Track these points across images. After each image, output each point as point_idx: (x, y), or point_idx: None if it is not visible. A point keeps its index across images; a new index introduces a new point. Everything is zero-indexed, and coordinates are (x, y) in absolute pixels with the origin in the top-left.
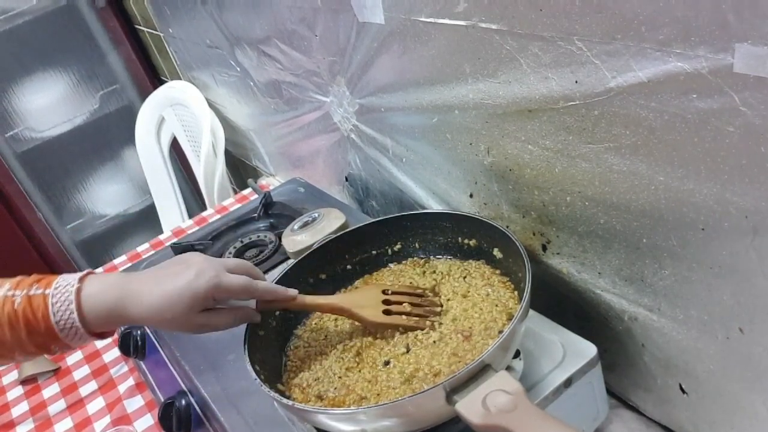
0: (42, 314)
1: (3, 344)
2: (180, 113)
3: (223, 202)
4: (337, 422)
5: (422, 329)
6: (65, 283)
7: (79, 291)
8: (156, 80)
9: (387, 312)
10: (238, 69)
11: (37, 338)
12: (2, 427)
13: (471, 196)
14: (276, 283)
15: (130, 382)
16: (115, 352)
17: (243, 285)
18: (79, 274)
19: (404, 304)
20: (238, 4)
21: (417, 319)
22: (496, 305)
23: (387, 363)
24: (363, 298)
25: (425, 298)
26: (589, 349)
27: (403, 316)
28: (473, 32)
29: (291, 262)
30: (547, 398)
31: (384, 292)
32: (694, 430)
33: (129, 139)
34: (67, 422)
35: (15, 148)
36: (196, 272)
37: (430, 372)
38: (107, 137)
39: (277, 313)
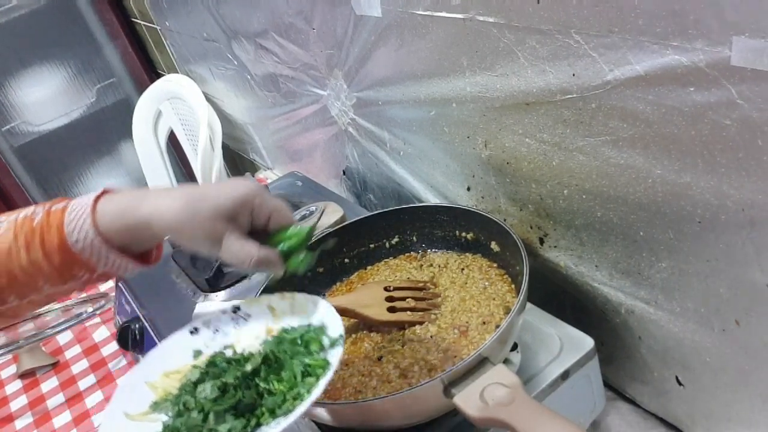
0: (57, 226)
1: (24, 271)
2: (177, 107)
3: None
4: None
5: (428, 322)
6: (88, 195)
7: (98, 198)
8: (153, 74)
9: (391, 309)
10: (236, 62)
11: (54, 257)
12: (1, 420)
13: (468, 189)
14: (274, 277)
15: None
16: (114, 346)
17: (282, 204)
18: (107, 186)
19: (407, 300)
20: None
21: (422, 313)
22: (494, 298)
23: (380, 358)
24: (366, 297)
25: (427, 291)
26: (586, 342)
27: (408, 312)
28: (471, 25)
29: None
30: (545, 391)
31: (386, 288)
32: (691, 422)
33: (126, 132)
34: (66, 416)
35: (12, 142)
36: (238, 179)
37: (425, 366)
38: (104, 131)
39: None
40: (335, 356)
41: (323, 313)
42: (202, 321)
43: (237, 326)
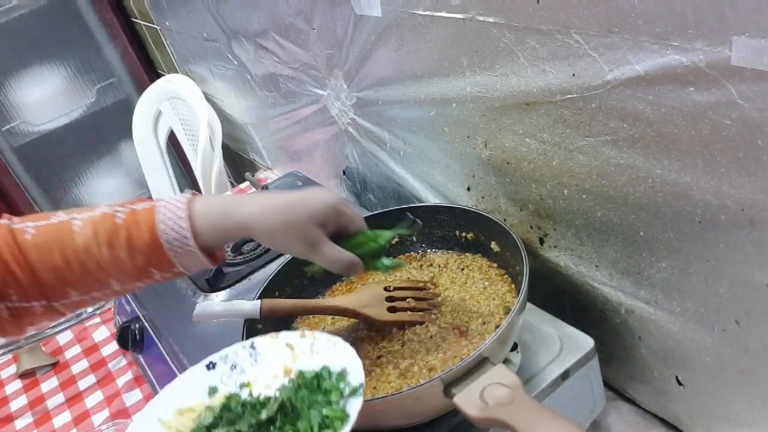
0: (148, 225)
1: (100, 267)
2: (177, 107)
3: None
4: None
5: (428, 322)
6: (177, 197)
7: (191, 200)
8: (153, 74)
9: (392, 309)
10: (236, 62)
11: (138, 256)
12: (1, 420)
13: (468, 189)
14: (273, 277)
15: (129, 375)
16: (114, 346)
17: (358, 214)
18: (188, 191)
19: (407, 300)
20: None
21: (422, 313)
22: (494, 298)
23: (379, 358)
24: (366, 297)
25: (427, 291)
26: (586, 342)
27: (408, 312)
28: (471, 25)
29: (288, 255)
30: (545, 391)
31: (386, 288)
32: (691, 421)
33: (126, 132)
34: (66, 416)
35: (12, 142)
36: (324, 188)
37: (424, 367)
38: (104, 131)
39: None
40: (354, 408)
41: (344, 357)
42: (220, 356)
43: (255, 363)
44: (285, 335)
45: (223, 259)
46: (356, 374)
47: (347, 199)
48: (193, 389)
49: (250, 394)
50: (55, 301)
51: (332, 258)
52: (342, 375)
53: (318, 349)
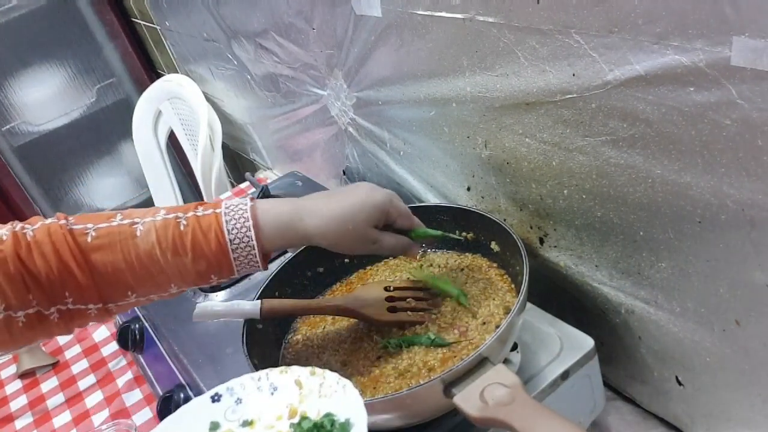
0: (215, 232)
1: (162, 272)
2: (177, 107)
3: (221, 195)
4: None
5: (428, 322)
6: (236, 203)
7: (254, 207)
8: (153, 74)
9: (392, 309)
10: (236, 62)
11: (201, 263)
12: (1, 420)
13: (468, 189)
14: (274, 276)
15: (129, 375)
16: (114, 346)
17: (406, 208)
18: (247, 197)
19: (408, 299)
20: None
21: (422, 313)
22: (494, 298)
23: (379, 357)
24: (367, 297)
25: (427, 291)
26: (586, 342)
27: (408, 312)
28: (471, 25)
29: (289, 255)
30: (545, 391)
31: (386, 288)
32: (691, 422)
33: (126, 132)
34: (66, 416)
35: (12, 142)
36: (371, 187)
37: (424, 367)
38: (104, 131)
39: None
40: None
41: (350, 406)
42: (227, 387)
43: (261, 398)
44: (296, 370)
45: (270, 262)
46: (359, 428)
47: (393, 193)
48: (195, 422)
49: None
50: (112, 303)
51: (391, 247)
52: (344, 427)
53: (326, 392)
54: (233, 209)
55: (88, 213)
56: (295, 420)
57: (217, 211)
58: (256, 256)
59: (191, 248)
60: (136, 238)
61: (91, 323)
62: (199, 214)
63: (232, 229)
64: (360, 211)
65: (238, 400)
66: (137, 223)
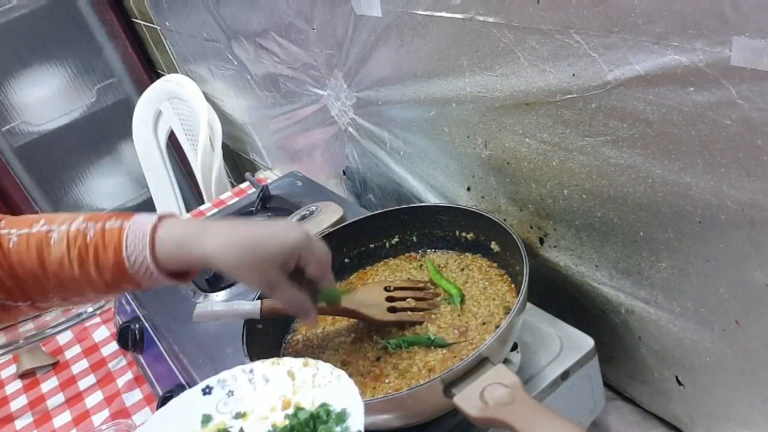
0: (114, 249)
1: (74, 280)
2: (177, 107)
3: (221, 195)
4: None
5: (428, 322)
6: (145, 218)
7: (158, 225)
8: (153, 74)
9: (392, 309)
10: (235, 62)
11: (106, 274)
12: (1, 420)
13: (468, 189)
14: None
15: (129, 375)
16: (114, 346)
17: (326, 257)
18: (161, 213)
19: (408, 299)
20: None
21: (422, 313)
22: (494, 299)
23: (379, 359)
24: (367, 297)
25: (427, 291)
26: (586, 342)
27: (408, 312)
28: (471, 25)
29: None
30: (545, 391)
31: (386, 288)
32: (691, 421)
33: (126, 132)
34: (66, 416)
35: (12, 142)
36: (289, 225)
37: (424, 367)
38: (104, 131)
39: None
40: None
41: (346, 395)
42: (218, 380)
43: (254, 390)
44: (287, 362)
45: (194, 276)
46: (356, 418)
47: (314, 236)
48: (187, 416)
49: (241, 429)
50: (38, 302)
51: (285, 300)
52: (341, 417)
53: (320, 383)
54: (138, 223)
55: (21, 217)
56: (290, 411)
57: (125, 224)
58: (158, 276)
59: (93, 260)
60: (50, 246)
61: (32, 315)
62: (107, 226)
63: (131, 243)
64: (264, 246)
65: (230, 393)
66: (53, 231)
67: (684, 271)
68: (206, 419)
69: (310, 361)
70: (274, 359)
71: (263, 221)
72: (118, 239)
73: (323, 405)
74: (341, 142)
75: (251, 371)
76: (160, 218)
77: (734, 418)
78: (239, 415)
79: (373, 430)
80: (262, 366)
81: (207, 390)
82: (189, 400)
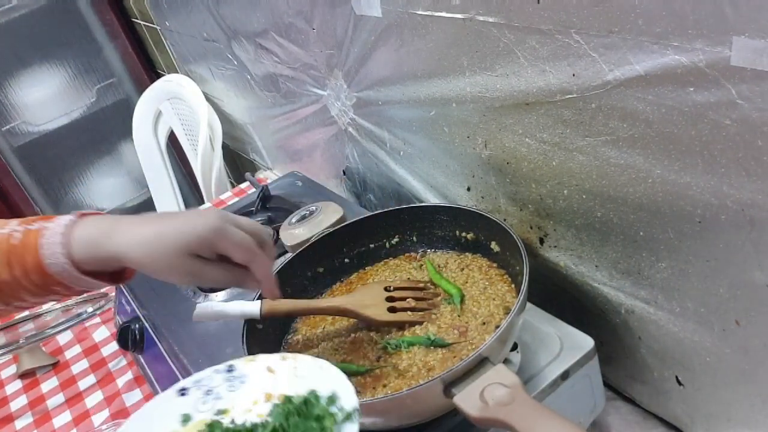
0: (32, 252)
1: (7, 284)
2: (177, 107)
3: (221, 195)
4: None
5: (428, 322)
6: (65, 219)
7: (74, 224)
8: (153, 74)
9: (392, 309)
10: (236, 62)
11: (35, 278)
12: (1, 420)
13: (468, 189)
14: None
15: (129, 376)
16: (114, 346)
17: (245, 242)
18: (83, 212)
19: (408, 300)
20: None
21: (422, 313)
22: (494, 299)
23: (379, 358)
24: (366, 297)
25: (427, 291)
26: (586, 342)
27: (408, 312)
28: (471, 25)
29: (289, 255)
30: (545, 391)
31: (386, 288)
32: (691, 421)
33: (126, 132)
34: (66, 416)
35: (12, 142)
36: (196, 214)
37: (424, 367)
38: (104, 131)
39: None
40: None
41: (333, 381)
42: (193, 380)
43: (232, 388)
44: (263, 358)
45: (130, 277)
46: (348, 398)
47: (232, 222)
48: (164, 417)
49: (232, 421)
50: None
51: (215, 279)
52: (332, 399)
53: (303, 373)
54: (56, 225)
55: None
56: (278, 402)
57: (43, 226)
58: (81, 277)
59: (19, 263)
60: None
61: None
62: (29, 228)
63: (46, 245)
64: (171, 236)
65: (208, 392)
66: None
67: (684, 271)
68: (186, 418)
69: (288, 355)
70: (249, 356)
71: (181, 213)
72: (35, 241)
73: (312, 392)
74: (341, 142)
75: (227, 370)
76: (81, 216)
77: (734, 418)
78: (221, 412)
79: (374, 430)
80: (238, 364)
81: (183, 391)
82: (165, 402)
